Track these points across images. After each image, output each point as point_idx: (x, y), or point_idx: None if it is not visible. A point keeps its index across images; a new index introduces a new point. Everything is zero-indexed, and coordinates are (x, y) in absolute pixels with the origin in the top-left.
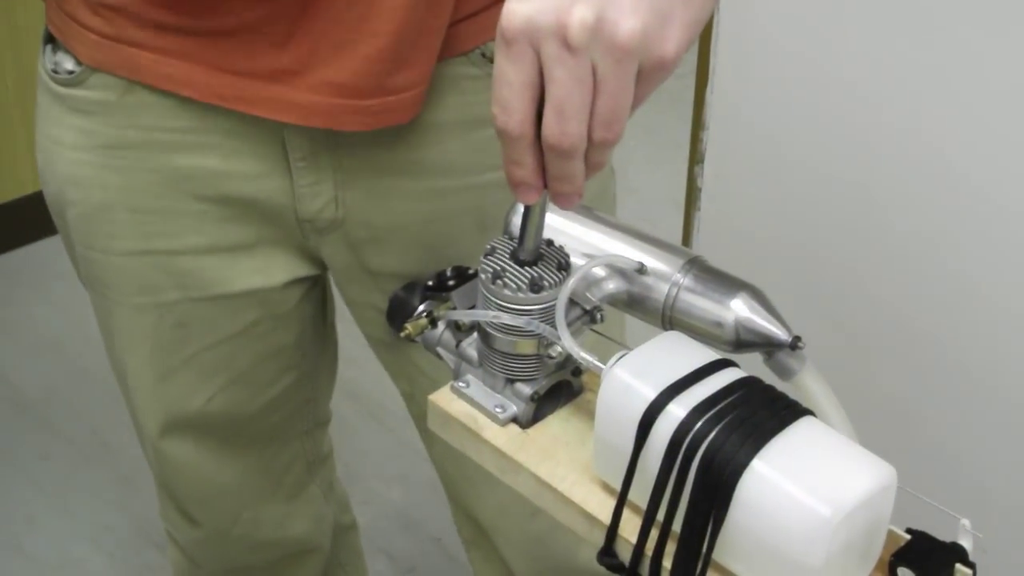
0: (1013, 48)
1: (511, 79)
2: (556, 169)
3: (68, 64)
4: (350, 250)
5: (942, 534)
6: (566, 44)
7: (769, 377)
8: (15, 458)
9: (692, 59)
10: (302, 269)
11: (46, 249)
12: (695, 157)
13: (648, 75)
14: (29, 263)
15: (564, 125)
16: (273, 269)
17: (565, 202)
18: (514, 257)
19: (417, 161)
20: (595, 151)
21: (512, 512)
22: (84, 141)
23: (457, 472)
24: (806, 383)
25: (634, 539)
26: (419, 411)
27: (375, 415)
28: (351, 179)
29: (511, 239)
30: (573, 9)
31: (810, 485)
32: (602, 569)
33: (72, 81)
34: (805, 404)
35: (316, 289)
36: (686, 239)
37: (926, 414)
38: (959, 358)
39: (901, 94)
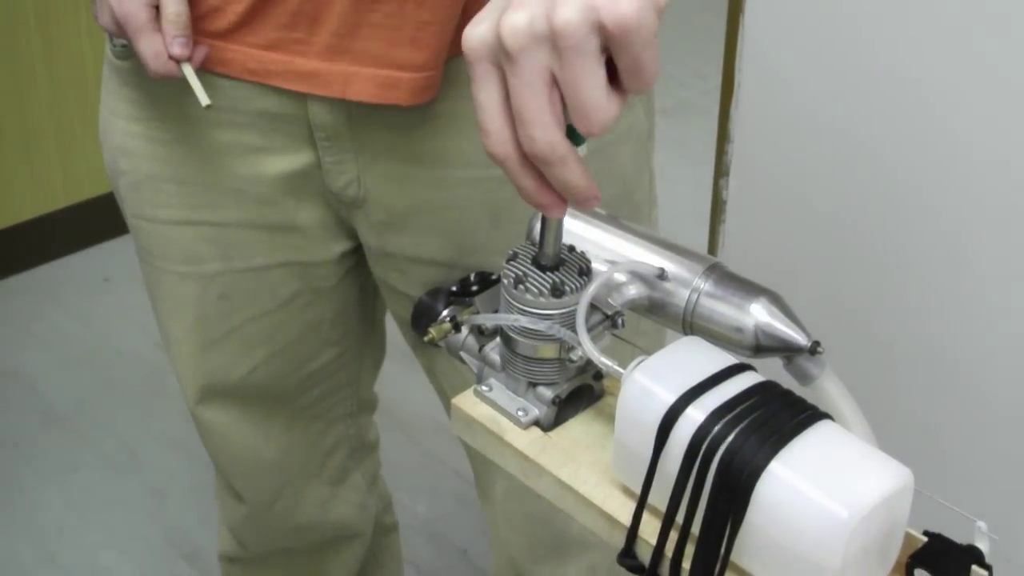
0: None
1: (482, 102)
2: (551, 178)
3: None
4: (371, 229)
5: (959, 537)
6: (508, 51)
7: (789, 382)
8: (46, 470)
9: (717, 72)
10: (342, 245)
11: (77, 263)
12: (720, 170)
13: (621, 44)
14: (60, 277)
15: (527, 131)
16: (313, 246)
17: (583, 206)
18: (536, 262)
19: (433, 150)
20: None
21: (519, 492)
22: (134, 113)
23: (473, 450)
24: (826, 388)
25: (654, 540)
26: (438, 385)
27: (404, 429)
28: (370, 163)
29: (533, 244)
30: (505, 18)
31: (828, 487)
32: (589, 538)
33: (124, 54)
34: (825, 409)
35: (358, 267)
36: (711, 251)
37: (945, 422)
38: (976, 367)
39: (927, 107)
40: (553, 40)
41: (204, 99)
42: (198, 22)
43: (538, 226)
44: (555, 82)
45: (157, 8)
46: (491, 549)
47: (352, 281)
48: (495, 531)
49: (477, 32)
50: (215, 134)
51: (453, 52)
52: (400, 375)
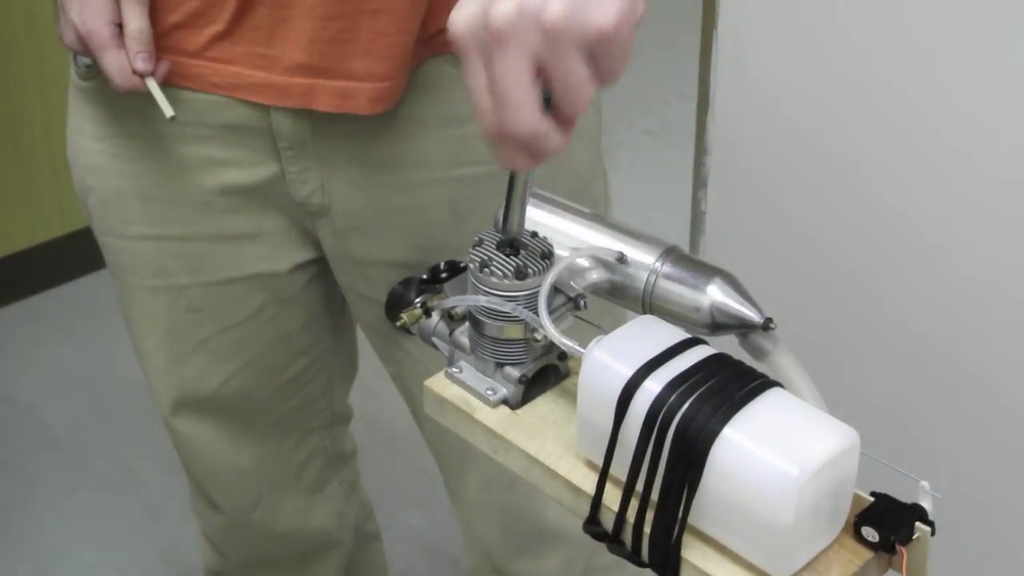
0: (1014, 61)
1: (473, 85)
2: (536, 149)
3: (87, 58)
4: (336, 237)
5: (905, 498)
6: (496, 39)
7: (746, 360)
8: (45, 493)
9: (693, 88)
10: (305, 253)
11: (71, 291)
12: (698, 182)
13: (598, 52)
14: (55, 305)
15: (510, 115)
16: (277, 256)
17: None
18: (500, 247)
19: (395, 154)
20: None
21: (492, 487)
22: (99, 131)
23: (445, 450)
24: (779, 362)
25: (616, 508)
26: (406, 390)
27: (395, 444)
28: (334, 170)
29: (498, 231)
30: (495, 5)
31: (778, 448)
32: (564, 531)
33: (88, 75)
34: (778, 381)
35: (321, 275)
36: None
37: (913, 415)
38: (960, 372)
39: (901, 115)
40: (538, 31)
41: (168, 111)
42: (166, 39)
43: (502, 211)
44: (536, 67)
45: (120, 26)
46: (465, 548)
47: (316, 289)
48: (468, 529)
49: (463, 17)
50: (179, 149)
51: (415, 60)
52: (390, 393)
